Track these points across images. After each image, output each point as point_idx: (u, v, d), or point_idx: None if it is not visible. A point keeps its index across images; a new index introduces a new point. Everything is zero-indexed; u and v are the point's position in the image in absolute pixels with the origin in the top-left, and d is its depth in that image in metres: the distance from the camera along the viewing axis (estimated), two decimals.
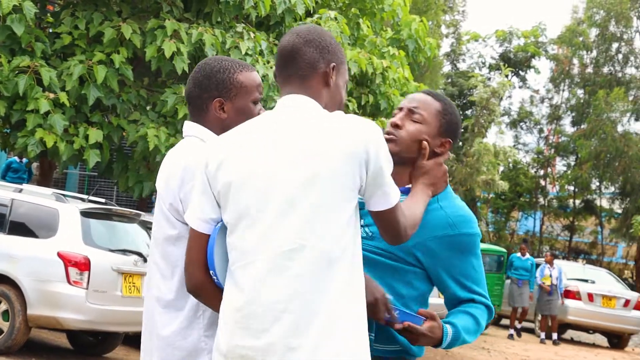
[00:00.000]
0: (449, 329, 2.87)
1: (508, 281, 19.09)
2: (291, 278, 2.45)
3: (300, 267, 2.45)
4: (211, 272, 2.62)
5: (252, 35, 10.88)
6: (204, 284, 2.65)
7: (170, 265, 2.85)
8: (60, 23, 10.67)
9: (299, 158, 2.49)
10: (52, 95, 9.74)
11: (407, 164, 3.00)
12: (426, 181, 2.94)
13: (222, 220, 2.61)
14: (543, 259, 19.89)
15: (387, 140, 2.90)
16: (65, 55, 10.63)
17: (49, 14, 11.57)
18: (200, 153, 2.80)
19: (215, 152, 2.61)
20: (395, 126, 3.00)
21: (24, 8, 9.70)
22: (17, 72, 9.81)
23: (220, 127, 2.93)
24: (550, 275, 18.61)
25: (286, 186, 2.48)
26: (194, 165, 2.77)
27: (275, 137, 2.54)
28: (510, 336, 18.71)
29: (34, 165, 15.65)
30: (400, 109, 3.06)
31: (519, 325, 18.92)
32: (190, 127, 3.01)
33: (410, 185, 2.99)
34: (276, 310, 2.43)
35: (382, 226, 2.66)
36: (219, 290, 2.62)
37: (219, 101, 2.94)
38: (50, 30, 11.30)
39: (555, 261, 19.62)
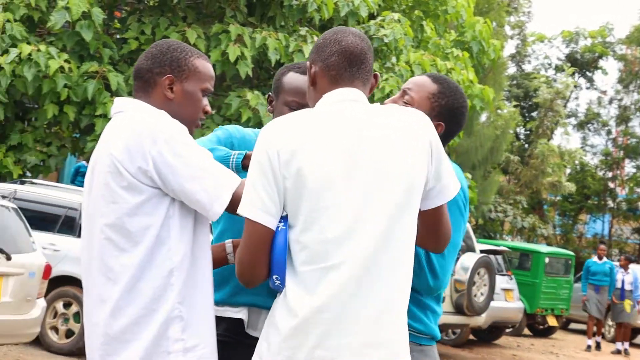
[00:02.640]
0: None
1: (584, 288, 18.02)
2: (376, 282, 2.39)
3: (384, 269, 2.39)
4: (275, 276, 2.45)
5: (315, 38, 10.91)
6: (261, 281, 2.51)
7: (132, 236, 2.64)
8: (127, 28, 10.85)
9: (379, 155, 2.42)
10: None
11: None
12: None
13: (286, 218, 2.44)
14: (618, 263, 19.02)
15: None
16: (132, 60, 10.81)
17: (116, 20, 11.77)
18: (155, 113, 2.69)
19: (287, 139, 2.42)
20: None
21: (93, 14, 9.88)
22: (85, 77, 10.00)
23: (164, 107, 2.78)
24: (623, 281, 17.58)
25: (370, 185, 2.40)
26: (161, 125, 2.63)
27: (350, 131, 2.44)
28: (588, 347, 17.65)
29: None
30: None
31: (598, 339, 17.72)
32: (127, 103, 2.82)
33: None
34: (361, 315, 2.38)
35: (434, 224, 2.61)
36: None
37: (170, 79, 2.80)
38: (118, 36, 11.49)
39: (631, 266, 18.33)
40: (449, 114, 3.01)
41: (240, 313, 3.04)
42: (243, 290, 2.81)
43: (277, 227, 2.44)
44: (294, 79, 3.20)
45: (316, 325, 2.34)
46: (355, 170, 2.39)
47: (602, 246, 18.61)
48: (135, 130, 2.64)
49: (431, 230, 2.61)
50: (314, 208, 2.38)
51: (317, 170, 2.38)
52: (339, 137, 2.42)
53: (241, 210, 2.46)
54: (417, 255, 2.81)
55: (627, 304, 17.97)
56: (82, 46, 10.29)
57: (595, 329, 17.93)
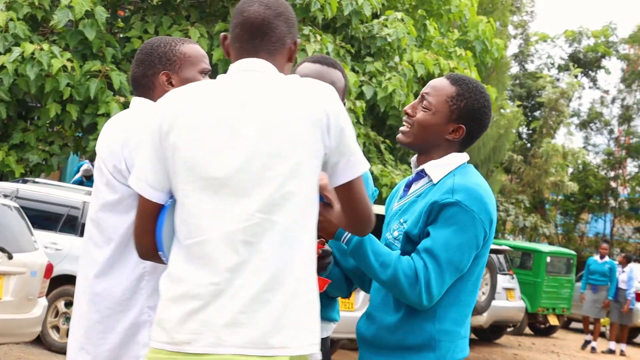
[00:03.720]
0: None
1: (583, 286, 17.80)
2: (253, 254, 2.28)
3: (264, 244, 2.29)
4: (160, 252, 2.43)
5: (318, 37, 10.91)
6: (152, 252, 2.47)
7: (105, 233, 2.69)
8: (131, 27, 10.85)
9: (260, 126, 2.31)
10: (122, 99, 9.90)
11: (425, 152, 2.94)
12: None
13: (172, 196, 2.41)
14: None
15: (399, 132, 2.93)
16: None
17: (119, 19, 11.77)
18: (143, 114, 2.69)
19: (168, 111, 2.38)
20: (407, 114, 2.95)
21: (96, 13, 9.88)
22: (88, 76, 10.00)
23: None
24: (617, 279, 17.11)
25: (247, 157, 2.30)
26: (137, 124, 2.65)
27: (233, 101, 2.35)
28: (585, 343, 17.38)
29: None
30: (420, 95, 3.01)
31: (594, 344, 17.22)
32: (137, 102, 2.86)
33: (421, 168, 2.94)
34: (236, 286, 2.28)
35: (349, 202, 2.48)
36: None
37: (166, 74, 2.82)
38: (121, 35, 11.49)
39: (629, 264, 17.77)
40: (469, 115, 2.93)
41: None
42: None
43: (166, 202, 2.41)
44: (306, 67, 3.22)
45: (193, 300, 2.28)
46: (232, 143, 2.31)
47: (605, 245, 18.33)
48: (116, 130, 2.72)
49: (346, 208, 2.50)
50: (186, 181, 2.33)
51: (189, 142, 2.32)
52: (219, 109, 2.34)
53: (129, 181, 2.45)
54: (414, 269, 2.72)
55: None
56: (85, 45, 10.29)
57: (592, 327, 17.63)
